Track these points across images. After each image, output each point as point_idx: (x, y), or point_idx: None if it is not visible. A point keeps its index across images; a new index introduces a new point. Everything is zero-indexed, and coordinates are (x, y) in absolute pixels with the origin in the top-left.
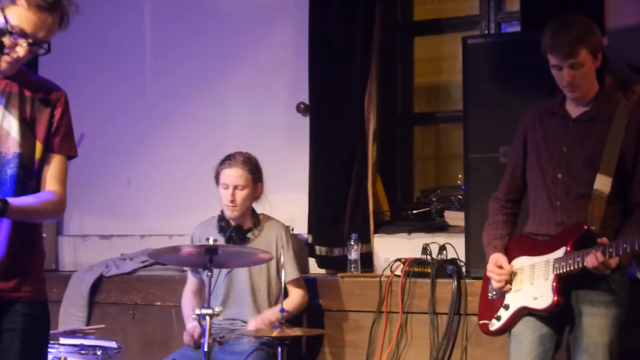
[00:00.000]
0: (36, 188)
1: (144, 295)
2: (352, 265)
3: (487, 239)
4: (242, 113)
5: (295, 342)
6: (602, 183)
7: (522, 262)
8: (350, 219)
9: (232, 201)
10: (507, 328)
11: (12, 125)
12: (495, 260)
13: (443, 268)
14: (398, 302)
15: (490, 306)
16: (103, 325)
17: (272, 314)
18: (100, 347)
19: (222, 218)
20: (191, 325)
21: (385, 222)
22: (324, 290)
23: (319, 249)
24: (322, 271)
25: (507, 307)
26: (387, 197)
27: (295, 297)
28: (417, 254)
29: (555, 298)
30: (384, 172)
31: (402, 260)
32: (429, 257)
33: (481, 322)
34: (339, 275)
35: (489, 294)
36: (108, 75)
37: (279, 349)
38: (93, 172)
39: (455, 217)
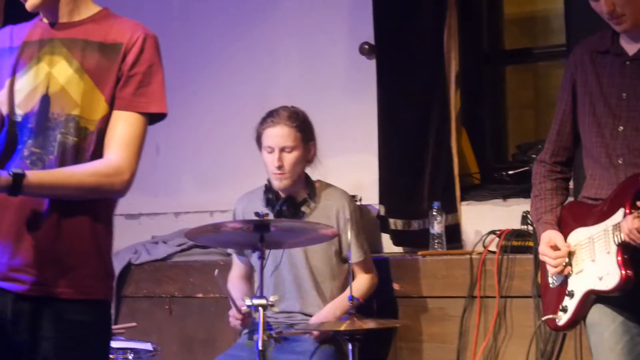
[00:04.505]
0: (95, 159)
1: (182, 285)
2: (436, 241)
3: (535, 213)
4: (292, 59)
5: (369, 336)
6: None
7: (578, 236)
8: (431, 184)
9: (280, 167)
10: (577, 319)
11: (70, 79)
12: (548, 239)
13: None
14: (494, 284)
15: (553, 296)
16: (134, 324)
17: (340, 305)
18: (132, 349)
19: (268, 189)
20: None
21: (474, 187)
22: (401, 272)
23: (394, 223)
24: (399, 249)
25: (571, 295)
26: (476, 156)
27: (362, 281)
28: (516, 224)
29: (624, 272)
30: (471, 124)
31: (498, 232)
32: (530, 227)
33: (546, 317)
34: (419, 253)
35: (549, 281)
36: (124, 16)
37: (350, 345)
38: None
39: None
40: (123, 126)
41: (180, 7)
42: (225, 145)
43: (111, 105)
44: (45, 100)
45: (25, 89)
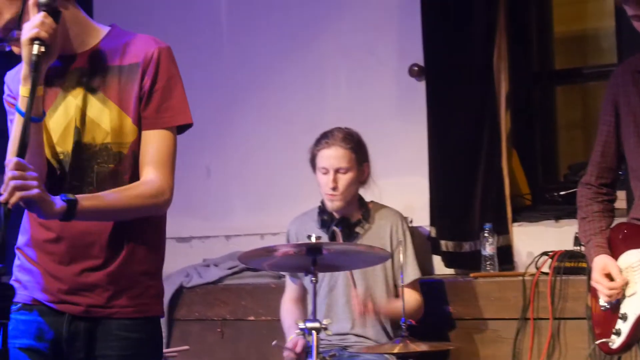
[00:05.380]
0: (133, 181)
1: (234, 308)
2: (488, 263)
3: (584, 236)
4: (342, 82)
5: (422, 358)
6: None
7: (629, 258)
8: (482, 205)
9: (334, 188)
10: (631, 342)
11: (95, 108)
12: (602, 267)
13: None
14: (547, 305)
15: (605, 319)
16: (187, 347)
17: (394, 305)
18: None
19: (323, 210)
20: (292, 337)
21: (525, 208)
22: (453, 294)
23: (445, 244)
24: (450, 271)
25: (624, 318)
26: (527, 177)
27: (411, 300)
28: (569, 245)
29: None
30: (521, 145)
31: (550, 253)
32: (583, 248)
33: (599, 341)
34: (471, 275)
35: (601, 304)
36: (178, 45)
37: None
38: None
39: None
40: (154, 145)
41: (229, 32)
42: (275, 167)
43: (139, 125)
44: (77, 133)
45: (60, 127)
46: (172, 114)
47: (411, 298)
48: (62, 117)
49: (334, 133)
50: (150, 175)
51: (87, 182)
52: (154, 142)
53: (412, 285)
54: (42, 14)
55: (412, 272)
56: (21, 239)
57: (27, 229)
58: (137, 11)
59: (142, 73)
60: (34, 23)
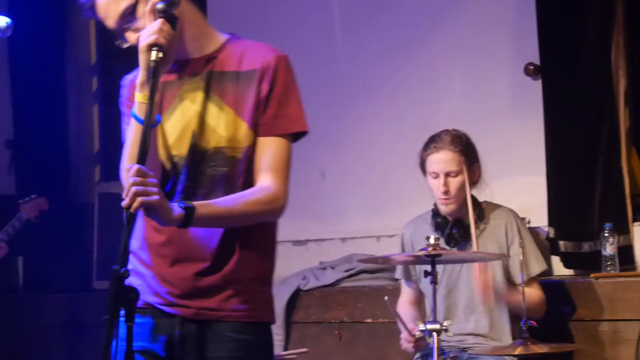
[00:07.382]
0: (246, 185)
1: (351, 311)
2: (608, 263)
3: None
4: (456, 82)
5: None
6: None
7: None
8: (602, 205)
9: (446, 192)
10: None
11: (211, 112)
12: None
13: None
14: None
15: None
16: (306, 349)
17: (514, 294)
18: None
19: (436, 213)
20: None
21: None
22: (574, 295)
23: (564, 245)
24: (570, 272)
25: None
26: None
27: (532, 297)
28: None
29: None
30: None
31: None
32: None
33: None
34: (591, 275)
35: None
36: (291, 47)
37: None
38: None
39: None
40: (270, 152)
41: (342, 32)
42: (390, 170)
43: (255, 131)
44: (194, 137)
45: (176, 130)
46: (288, 122)
47: (532, 294)
48: (178, 120)
49: (441, 136)
50: (266, 181)
51: (200, 185)
52: (270, 148)
53: (532, 281)
54: (160, 20)
55: (532, 268)
56: (134, 243)
57: (141, 233)
58: (252, 16)
59: (259, 79)
60: (152, 29)
